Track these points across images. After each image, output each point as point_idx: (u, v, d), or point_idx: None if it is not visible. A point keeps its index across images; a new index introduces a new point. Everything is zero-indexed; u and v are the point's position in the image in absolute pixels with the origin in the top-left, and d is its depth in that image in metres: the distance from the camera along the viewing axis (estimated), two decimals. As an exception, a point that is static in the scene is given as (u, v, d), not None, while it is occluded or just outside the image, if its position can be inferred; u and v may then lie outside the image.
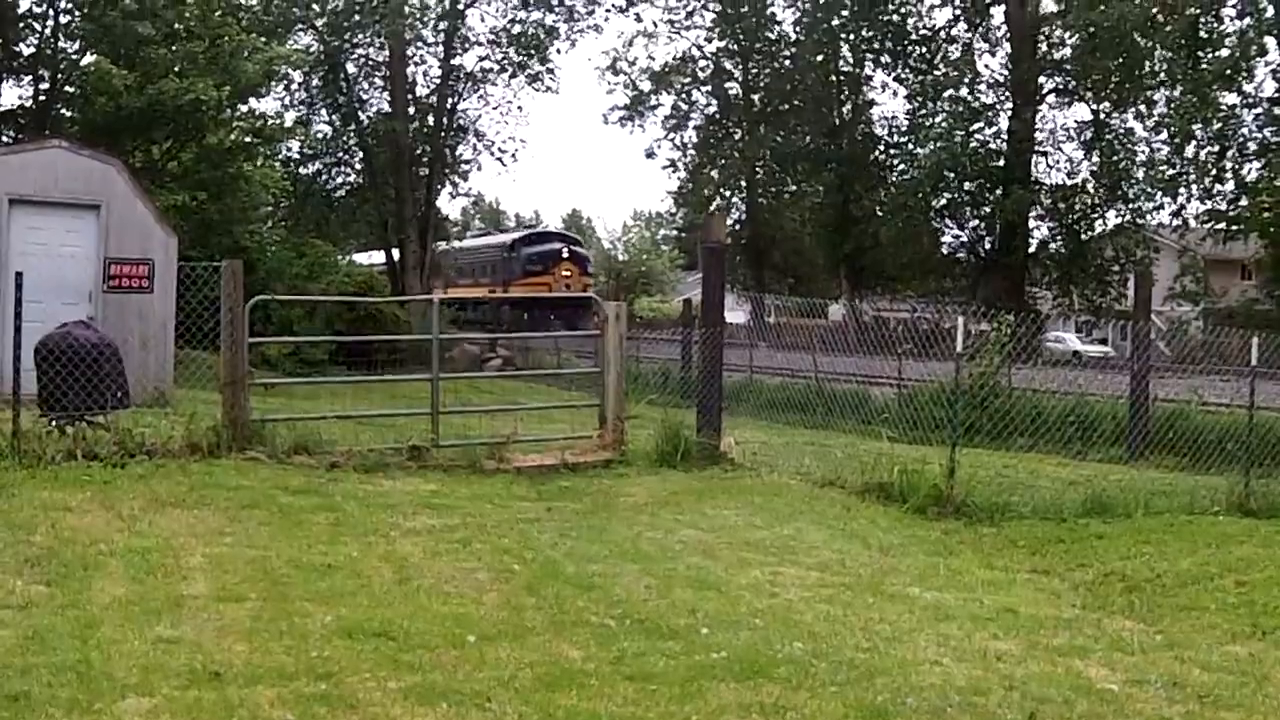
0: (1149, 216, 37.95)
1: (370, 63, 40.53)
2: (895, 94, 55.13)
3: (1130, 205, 37.86)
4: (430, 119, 40.62)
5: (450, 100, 40.65)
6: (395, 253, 40.21)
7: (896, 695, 5.14)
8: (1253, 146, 33.70)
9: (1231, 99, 33.48)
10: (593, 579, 6.88)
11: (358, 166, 41.54)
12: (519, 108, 55.42)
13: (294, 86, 38.72)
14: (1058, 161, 39.95)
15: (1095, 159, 38.46)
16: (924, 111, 41.37)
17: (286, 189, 33.26)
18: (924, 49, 42.26)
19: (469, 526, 8.15)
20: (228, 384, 10.19)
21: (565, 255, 43.25)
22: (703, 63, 46.59)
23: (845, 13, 42.13)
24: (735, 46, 46.01)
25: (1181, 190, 35.22)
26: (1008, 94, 39.33)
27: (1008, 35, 39.65)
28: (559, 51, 50.75)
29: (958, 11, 41.45)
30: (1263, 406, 12.53)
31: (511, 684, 5.02)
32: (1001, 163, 38.67)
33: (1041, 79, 38.93)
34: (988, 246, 40.19)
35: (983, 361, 15.54)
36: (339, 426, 11.12)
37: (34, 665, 4.91)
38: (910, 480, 10.11)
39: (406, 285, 37.59)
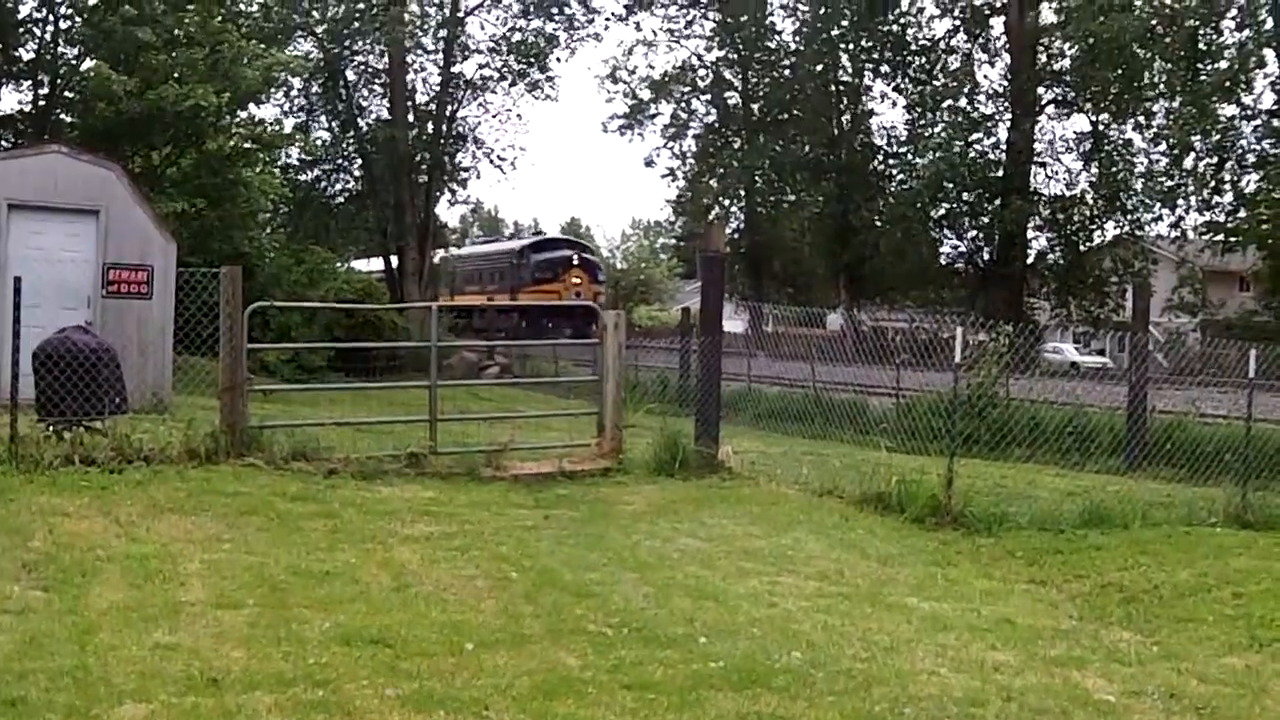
0: (1147, 228, 38.09)
1: (370, 70, 40.64)
2: (894, 104, 55.32)
3: (1129, 216, 37.97)
4: (430, 126, 40.69)
5: (450, 108, 40.75)
6: (394, 260, 40.25)
7: (894, 705, 5.14)
8: (1251, 158, 33.84)
9: (1230, 111, 33.68)
10: (590, 587, 6.88)
11: (357, 173, 41.62)
12: (518, 116, 55.39)
13: (294, 93, 38.84)
14: (1056, 172, 40.13)
15: (1094, 170, 38.57)
16: (923, 122, 41.51)
17: (286, 195, 33.22)
18: (923, 59, 42.37)
19: (467, 534, 8.15)
20: (226, 390, 10.19)
21: (575, 262, 42.31)
22: (702, 72, 46.70)
23: (845, 23, 42.26)
24: (735, 56, 46.07)
25: (1180, 202, 35.35)
26: (1007, 105, 39.44)
27: (1007, 46, 39.77)
28: (559, 60, 51.05)
29: (957, 22, 41.61)
30: (1261, 418, 12.51)
31: (509, 692, 5.02)
32: (1000, 173, 38.77)
33: (1041, 90, 39.04)
34: (986, 257, 40.27)
35: (981, 372, 15.53)
36: (337, 433, 11.10)
37: (31, 671, 4.91)
38: (908, 490, 10.11)
39: (405, 292, 37.62)
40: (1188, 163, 34.87)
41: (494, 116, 42.76)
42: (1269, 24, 32.46)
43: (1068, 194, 39.56)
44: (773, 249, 47.26)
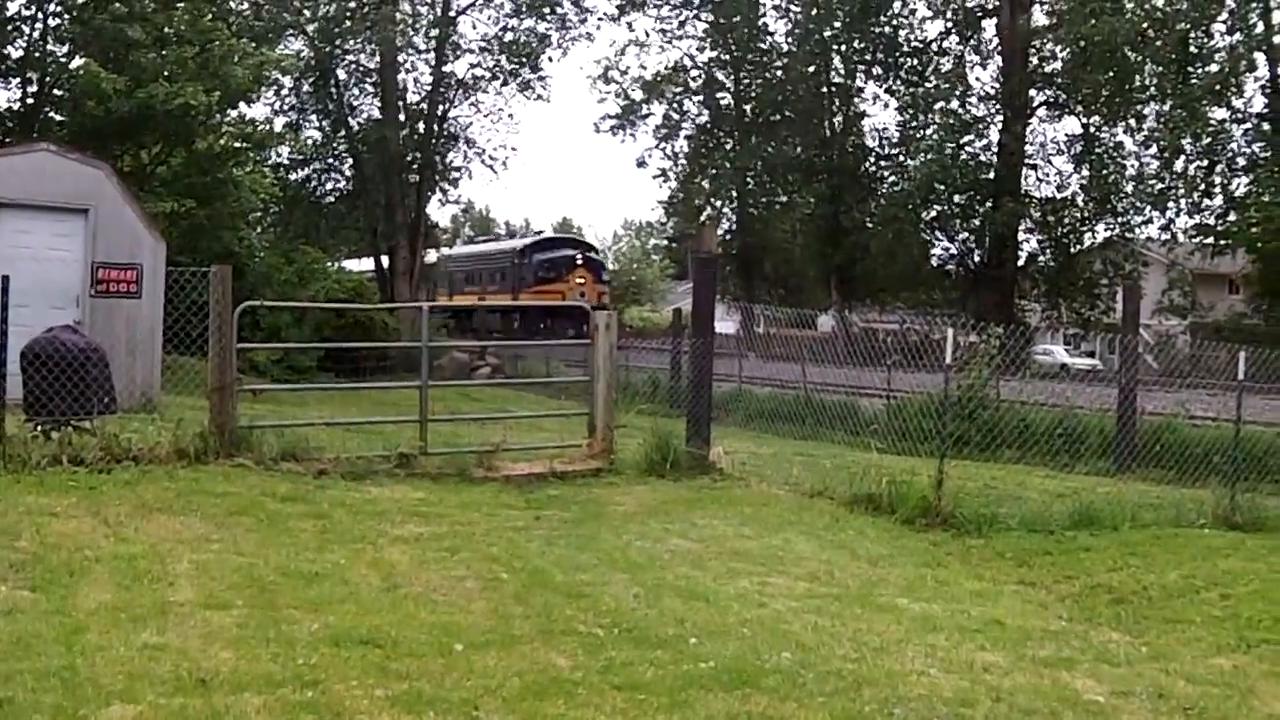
0: (1138, 230, 38.23)
1: (361, 69, 40.62)
2: (886, 106, 55.56)
3: (1119, 219, 38.11)
4: (421, 126, 40.68)
5: (441, 107, 40.73)
6: (385, 259, 40.18)
7: (884, 706, 5.14)
8: (1241, 161, 34.01)
9: (1221, 114, 33.80)
10: (581, 588, 6.87)
11: (347, 173, 41.58)
12: (510, 115, 55.35)
13: (284, 92, 38.83)
14: (1047, 175, 40.30)
15: (1085, 172, 38.72)
16: (915, 123, 41.64)
17: (276, 195, 33.22)
18: (915, 61, 42.48)
19: (457, 535, 8.13)
20: (215, 390, 10.16)
21: (579, 262, 40.90)
22: (694, 72, 46.75)
23: (837, 24, 42.31)
24: (727, 57, 46.13)
25: (1170, 204, 35.53)
26: (998, 107, 39.56)
27: (999, 48, 39.90)
28: (550, 60, 51.02)
29: (949, 24, 41.72)
30: (1249, 421, 12.56)
31: (499, 692, 5.01)
32: (992, 175, 38.89)
33: (1032, 92, 39.19)
34: (977, 259, 40.40)
35: (971, 373, 15.57)
36: (327, 433, 11.08)
37: (18, 671, 4.88)
38: (899, 491, 10.13)
39: (396, 292, 37.60)
40: (1178, 165, 35.02)
41: (485, 116, 42.93)
42: (1259, 27, 32.59)
43: (1059, 196, 39.76)
44: (764, 250, 47.30)
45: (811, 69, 43.69)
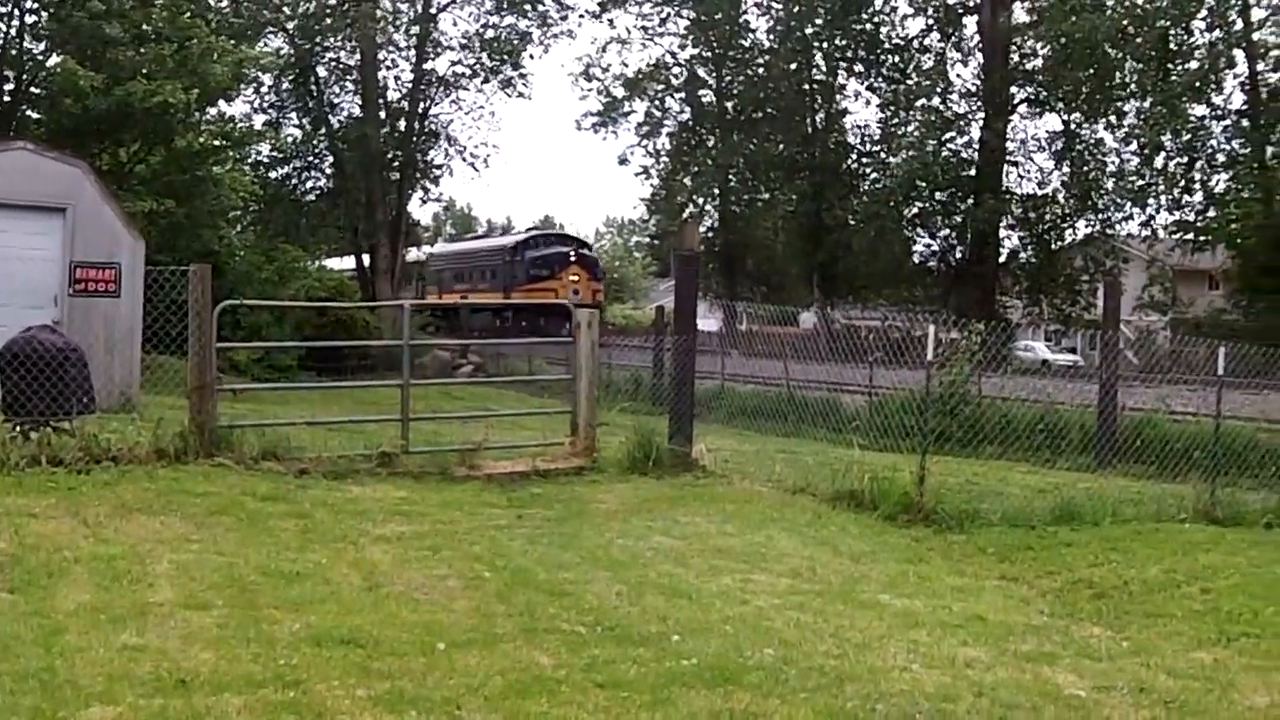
0: (1118, 227, 38.42)
1: (341, 66, 40.47)
2: (868, 103, 55.58)
3: (1100, 215, 38.29)
4: (402, 123, 40.54)
5: (422, 104, 40.62)
6: (366, 258, 40.03)
7: (866, 702, 5.15)
8: (1221, 158, 34.20)
9: (1201, 110, 33.97)
10: (563, 586, 6.86)
11: (328, 171, 41.38)
12: (491, 113, 55.45)
13: (264, 90, 38.65)
14: (1029, 171, 40.43)
15: (1066, 169, 38.90)
16: (896, 121, 41.74)
17: (256, 193, 33.08)
18: (897, 58, 42.54)
19: (439, 533, 8.11)
20: (195, 389, 10.10)
21: (573, 259, 39.89)
22: (676, 70, 46.70)
23: (819, 21, 42.36)
24: (709, 54, 46.10)
25: (1151, 201, 35.69)
26: (980, 104, 39.68)
27: (980, 45, 40.01)
28: (532, 57, 50.86)
29: (931, 21, 41.78)
30: (1229, 416, 12.65)
31: (481, 691, 5.00)
32: (973, 172, 39.00)
33: (1013, 89, 39.30)
34: (959, 255, 40.52)
35: (953, 370, 15.61)
36: (308, 432, 11.04)
37: (-5, 673, 4.85)
38: (880, 488, 10.15)
39: (377, 290, 37.45)
40: (1158, 162, 35.20)
41: (467, 113, 42.85)
42: (1239, 25, 32.78)
43: (1040, 193, 39.91)
44: (746, 247, 47.32)
45: (793, 66, 43.71)
